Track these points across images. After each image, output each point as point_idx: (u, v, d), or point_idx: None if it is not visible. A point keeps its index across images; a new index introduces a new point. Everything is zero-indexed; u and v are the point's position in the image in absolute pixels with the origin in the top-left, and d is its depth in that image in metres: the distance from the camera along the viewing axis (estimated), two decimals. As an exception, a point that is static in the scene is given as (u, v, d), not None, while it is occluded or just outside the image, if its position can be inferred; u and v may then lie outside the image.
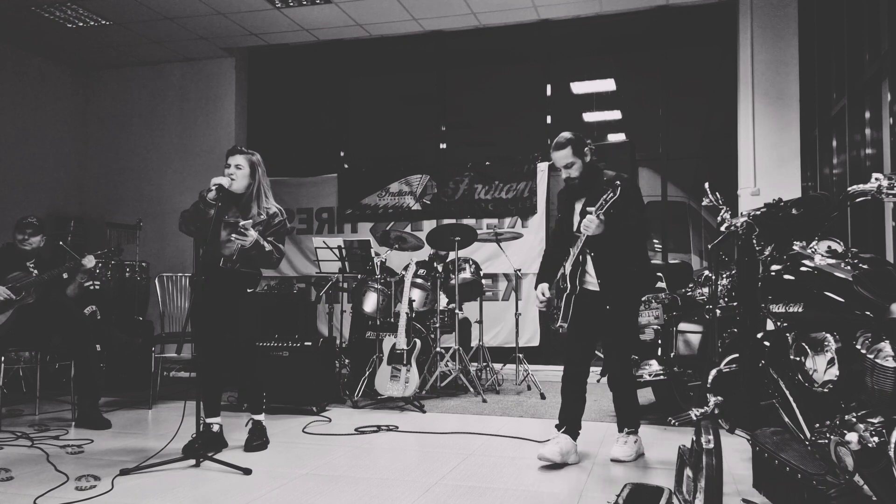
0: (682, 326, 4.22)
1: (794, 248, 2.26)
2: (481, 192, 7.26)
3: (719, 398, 2.53)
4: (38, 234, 4.54)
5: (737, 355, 2.59)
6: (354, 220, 7.66)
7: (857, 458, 1.78)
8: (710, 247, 3.50)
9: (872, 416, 1.78)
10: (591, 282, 3.41)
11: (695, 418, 2.40)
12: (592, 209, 3.17)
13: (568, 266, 3.41)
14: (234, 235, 3.49)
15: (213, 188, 3.51)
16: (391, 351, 4.98)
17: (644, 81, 7.67)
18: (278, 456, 3.58)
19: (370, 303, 5.48)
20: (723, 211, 2.67)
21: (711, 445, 2.14)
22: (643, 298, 4.37)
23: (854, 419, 1.82)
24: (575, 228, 3.41)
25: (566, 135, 3.42)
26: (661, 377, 4.24)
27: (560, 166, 3.45)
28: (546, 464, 3.29)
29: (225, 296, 3.65)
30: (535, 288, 3.56)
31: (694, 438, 2.27)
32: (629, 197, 3.29)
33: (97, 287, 6.10)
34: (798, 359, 2.18)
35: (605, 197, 3.14)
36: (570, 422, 3.42)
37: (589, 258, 3.38)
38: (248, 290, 3.74)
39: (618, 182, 3.14)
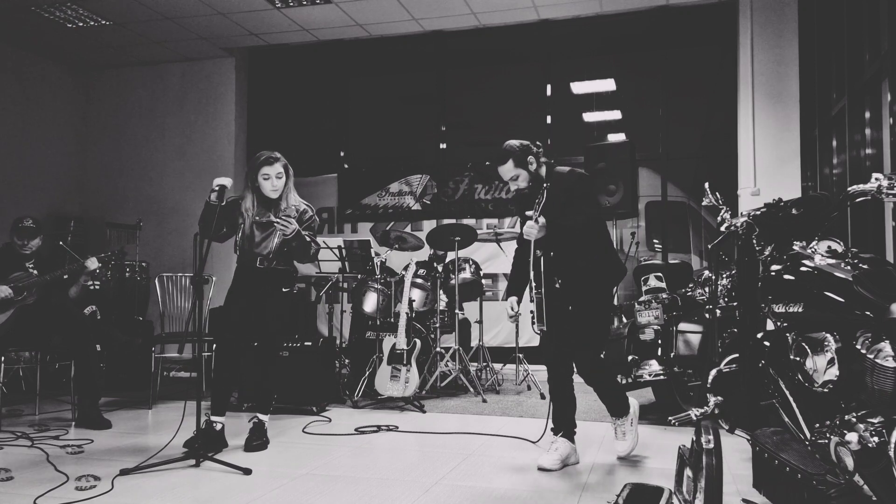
0: (682, 326, 4.21)
1: (794, 248, 2.26)
2: (481, 192, 7.26)
3: (719, 398, 2.53)
4: (37, 236, 4.54)
5: (737, 355, 2.59)
6: (354, 220, 7.67)
7: (857, 458, 1.78)
8: (710, 247, 3.50)
9: (872, 416, 1.78)
10: (558, 281, 3.37)
11: (695, 418, 2.40)
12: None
13: (531, 272, 3.34)
14: (276, 221, 3.56)
15: (216, 189, 3.53)
16: (391, 351, 4.98)
17: (644, 81, 7.67)
18: (278, 456, 3.58)
19: (370, 303, 5.48)
20: (723, 211, 2.67)
21: (711, 445, 2.14)
22: (643, 299, 4.37)
23: (854, 419, 1.82)
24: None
25: (507, 146, 3.33)
26: (661, 377, 4.23)
27: (505, 180, 3.39)
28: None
29: (262, 295, 3.72)
30: (507, 300, 3.49)
31: (694, 438, 2.26)
32: (580, 193, 3.27)
33: (97, 287, 6.10)
34: (798, 359, 2.18)
35: (535, 200, 3.12)
36: (564, 424, 3.41)
37: (549, 259, 3.32)
38: (284, 290, 3.79)
39: (545, 185, 3.13)
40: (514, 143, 3.35)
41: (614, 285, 3.69)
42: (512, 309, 3.42)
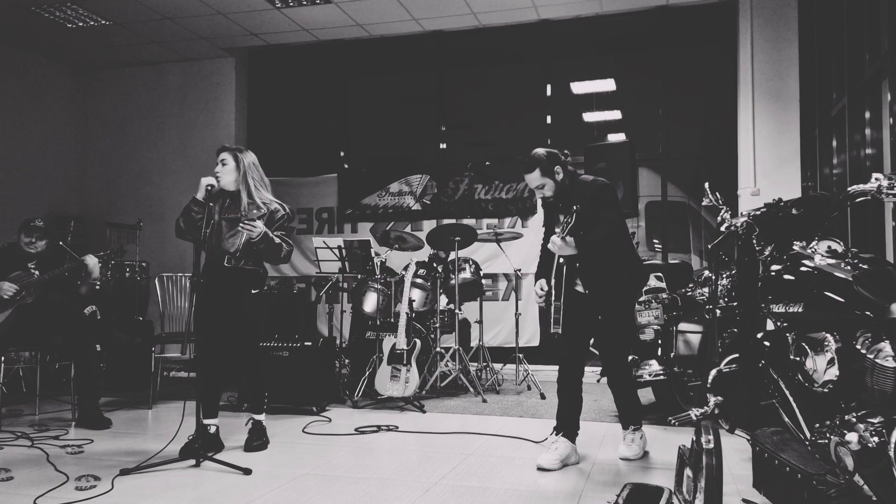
0: (682, 326, 4.21)
1: (794, 248, 2.26)
2: (481, 192, 7.26)
3: (719, 398, 2.53)
4: (45, 238, 4.56)
5: (737, 355, 2.59)
6: (354, 220, 7.66)
7: (857, 458, 1.78)
8: (710, 247, 3.50)
9: (872, 416, 1.78)
10: (580, 284, 3.40)
11: (695, 418, 2.40)
12: (557, 230, 3.21)
13: (552, 279, 3.37)
14: (241, 225, 3.49)
15: (206, 188, 3.53)
16: (391, 351, 4.98)
17: (644, 81, 7.67)
18: (278, 456, 3.58)
19: (370, 303, 5.48)
20: (723, 211, 2.67)
21: (711, 445, 2.14)
22: (643, 299, 4.37)
23: (854, 419, 1.82)
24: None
25: (535, 155, 3.38)
26: (661, 377, 4.23)
27: (532, 188, 3.46)
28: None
29: (230, 296, 3.64)
30: (535, 284, 3.53)
31: (694, 438, 2.27)
32: (600, 201, 3.31)
33: (97, 287, 6.10)
34: (798, 359, 2.18)
35: (565, 220, 3.17)
36: (568, 424, 3.42)
37: (575, 266, 3.36)
38: (254, 291, 3.70)
39: (575, 207, 3.16)
40: (541, 151, 3.39)
41: (639, 292, 3.74)
42: (542, 289, 3.40)
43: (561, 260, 3.33)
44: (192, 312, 3.45)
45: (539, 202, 6.95)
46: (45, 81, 7.84)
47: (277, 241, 3.60)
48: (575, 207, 3.17)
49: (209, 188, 3.54)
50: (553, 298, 3.32)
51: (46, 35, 7.13)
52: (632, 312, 3.63)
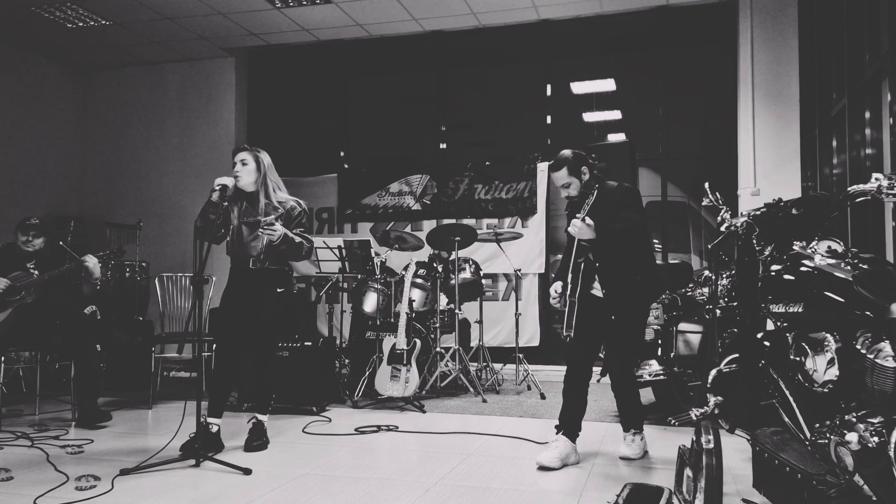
0: (682, 326, 4.21)
1: (794, 248, 2.26)
2: (481, 192, 7.26)
3: (719, 398, 2.53)
4: (41, 235, 4.56)
5: (737, 355, 2.59)
6: (354, 220, 7.66)
7: (857, 458, 1.78)
8: (710, 247, 3.51)
9: (872, 416, 1.78)
10: (597, 287, 3.43)
11: (695, 418, 2.40)
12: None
13: (569, 274, 3.42)
14: (261, 230, 3.55)
15: (217, 188, 3.53)
16: (391, 351, 4.98)
17: (644, 81, 7.67)
18: (278, 456, 3.58)
19: (370, 303, 5.48)
20: (723, 211, 2.67)
21: (711, 445, 2.14)
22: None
23: (854, 419, 1.82)
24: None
25: (563, 155, 3.47)
26: (661, 377, 4.24)
27: (558, 186, 3.54)
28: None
29: (256, 296, 3.69)
30: (550, 287, 3.57)
31: (694, 438, 2.27)
32: (624, 203, 3.39)
33: (98, 287, 6.10)
34: (798, 359, 2.18)
35: (586, 201, 3.29)
36: (569, 424, 3.42)
37: (594, 267, 3.41)
38: (279, 290, 3.75)
39: (596, 185, 3.34)
40: (568, 152, 3.48)
41: (654, 301, 3.77)
42: (556, 291, 3.48)
43: (579, 260, 3.37)
44: (192, 313, 3.46)
45: (539, 203, 6.99)
46: (45, 81, 7.84)
47: (298, 239, 3.66)
48: (596, 185, 3.32)
49: (219, 188, 3.54)
50: (568, 294, 3.36)
51: (46, 35, 7.13)
52: (644, 318, 3.64)
